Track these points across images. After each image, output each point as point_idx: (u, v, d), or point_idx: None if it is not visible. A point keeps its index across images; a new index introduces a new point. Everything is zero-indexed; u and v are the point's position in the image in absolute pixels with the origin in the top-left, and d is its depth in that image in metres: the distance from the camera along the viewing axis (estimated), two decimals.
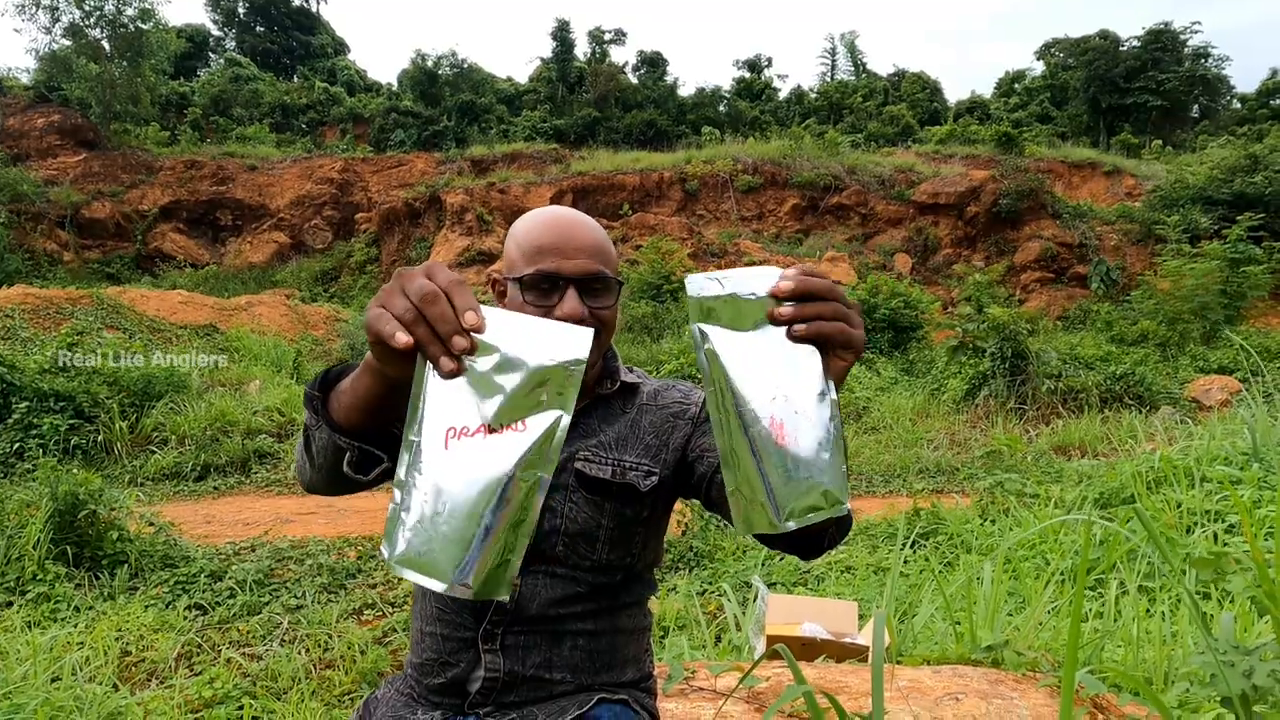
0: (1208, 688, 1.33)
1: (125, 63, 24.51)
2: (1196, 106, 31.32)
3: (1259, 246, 15.31)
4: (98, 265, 21.51)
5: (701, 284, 0.76)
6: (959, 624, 2.49)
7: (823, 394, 0.76)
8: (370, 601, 4.37)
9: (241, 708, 3.04)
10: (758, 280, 0.76)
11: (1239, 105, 32.91)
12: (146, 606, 4.12)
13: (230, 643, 3.82)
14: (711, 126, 29.06)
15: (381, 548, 0.73)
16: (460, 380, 0.72)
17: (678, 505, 5.15)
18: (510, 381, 0.72)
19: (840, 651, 2.29)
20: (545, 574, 1.16)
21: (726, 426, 0.75)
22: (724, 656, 2.40)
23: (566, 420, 0.72)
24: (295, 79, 34.66)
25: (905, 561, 4.09)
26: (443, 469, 0.71)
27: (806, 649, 2.30)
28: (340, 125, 30.18)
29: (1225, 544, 3.32)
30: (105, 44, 24.44)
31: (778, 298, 0.76)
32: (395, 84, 34.56)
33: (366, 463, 0.97)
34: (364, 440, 0.94)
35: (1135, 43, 29.60)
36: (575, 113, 30.29)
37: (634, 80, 32.80)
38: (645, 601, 1.31)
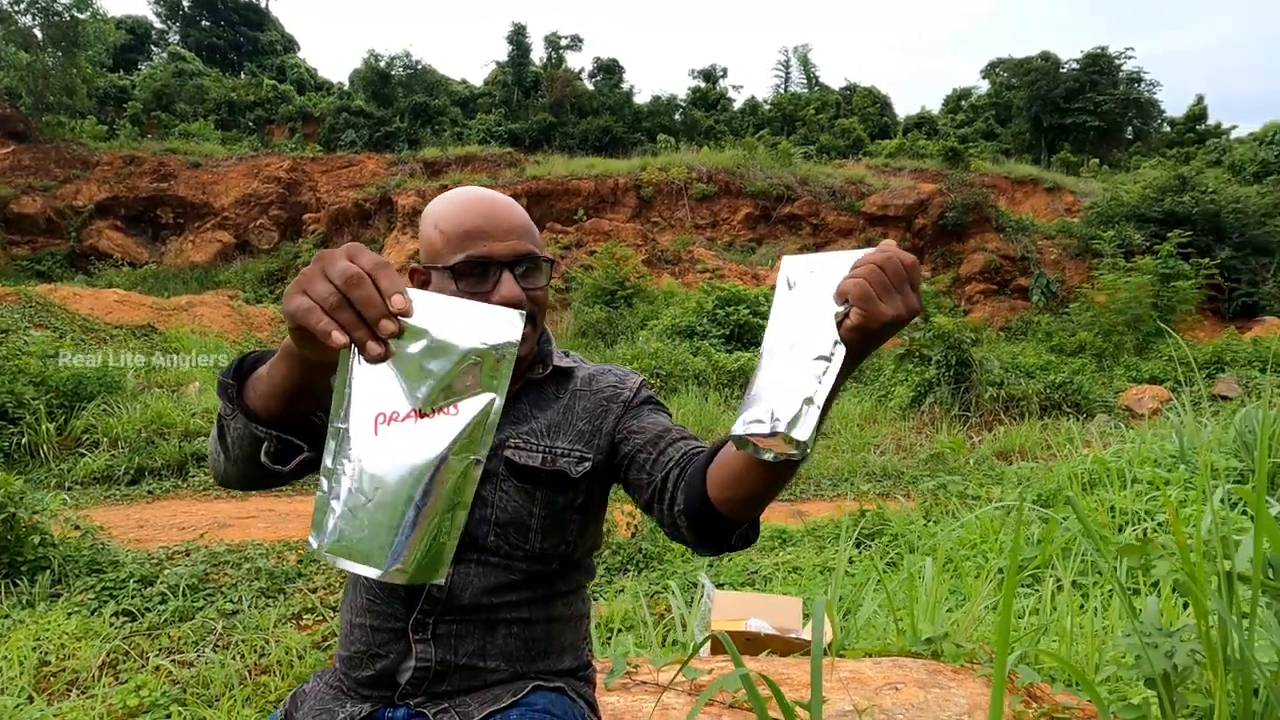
0: (1133, 669, 1.37)
1: (59, 53, 23.57)
2: (1130, 128, 32.65)
3: (1187, 262, 16.01)
4: (27, 263, 20.58)
5: (793, 269, 0.86)
6: (900, 620, 2.52)
7: (823, 345, 0.80)
8: (310, 605, 4.24)
9: (170, 716, 2.92)
10: (845, 266, 0.83)
11: (1169, 128, 34.43)
12: (70, 614, 3.92)
13: (160, 650, 3.66)
14: (667, 134, 29.28)
15: (310, 537, 0.71)
16: (388, 365, 0.70)
17: (627, 507, 5.12)
18: (440, 366, 0.71)
19: (785, 646, 2.30)
20: (478, 563, 1.14)
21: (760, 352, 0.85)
22: (669, 654, 2.38)
23: (499, 403, 0.72)
24: (242, 76, 33.80)
25: (851, 561, 4.13)
26: (373, 455, 0.70)
27: (751, 644, 2.30)
28: (289, 124, 29.52)
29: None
30: (37, 32, 23.47)
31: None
32: (347, 83, 33.97)
33: (286, 453, 0.94)
34: (282, 430, 0.91)
35: (1074, 65, 30.77)
36: (531, 117, 30.19)
37: (590, 87, 32.83)
38: (583, 589, 1.29)
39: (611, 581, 4.53)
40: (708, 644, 2.34)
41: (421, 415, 0.70)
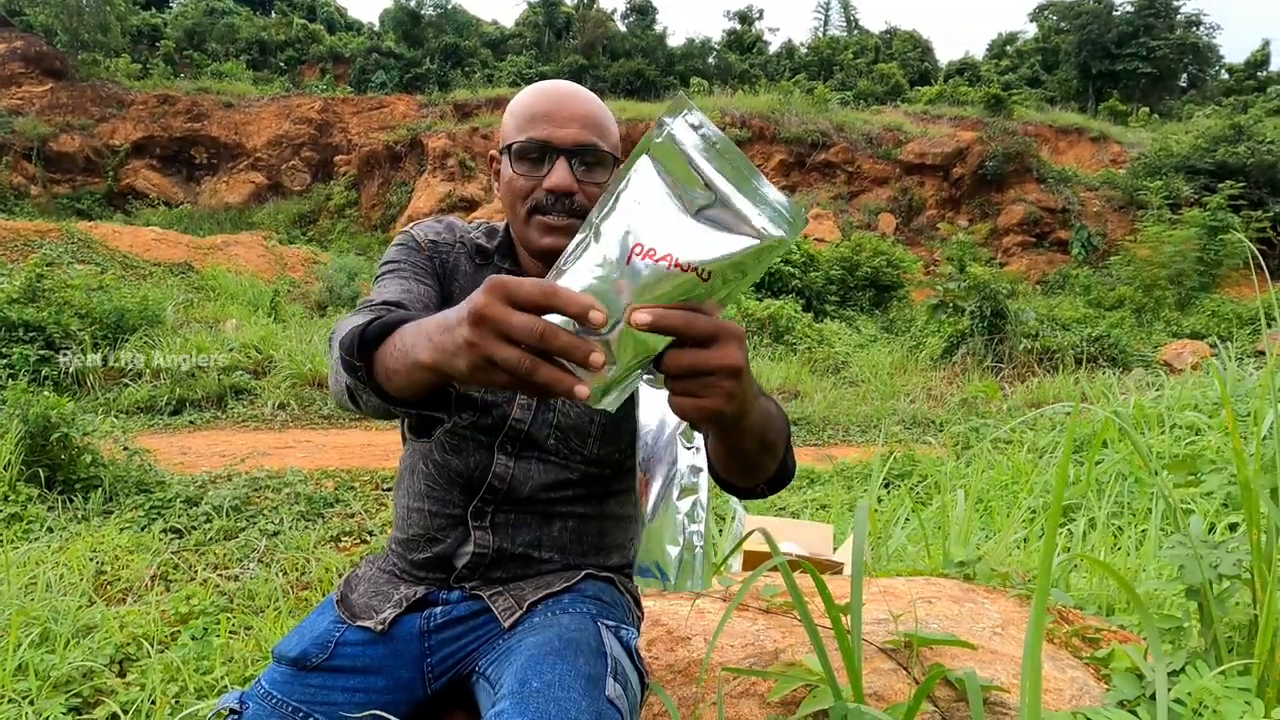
0: (1174, 581, 1.37)
1: None
2: (1185, 75, 31.29)
3: (1238, 215, 15.47)
4: (67, 200, 20.92)
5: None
6: (930, 548, 2.53)
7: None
8: (349, 529, 4.38)
9: (218, 622, 3.05)
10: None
11: (1227, 75, 32.91)
12: (121, 529, 4.09)
13: (207, 565, 3.81)
14: (700, 78, 28.63)
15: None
16: (666, 204, 0.63)
17: None
18: (714, 232, 0.63)
19: (816, 568, 2.33)
20: (538, 460, 1.16)
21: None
22: None
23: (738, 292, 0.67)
24: (273, 15, 33.50)
25: (879, 500, 4.15)
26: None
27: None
28: (320, 64, 29.36)
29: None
30: None
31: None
32: (377, 23, 33.57)
33: (426, 423, 0.91)
34: (421, 407, 0.85)
35: (1129, 8, 29.39)
36: (561, 59, 29.66)
37: (622, 28, 32.12)
38: (632, 492, 1.32)
39: None
40: (739, 561, 2.39)
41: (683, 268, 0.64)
